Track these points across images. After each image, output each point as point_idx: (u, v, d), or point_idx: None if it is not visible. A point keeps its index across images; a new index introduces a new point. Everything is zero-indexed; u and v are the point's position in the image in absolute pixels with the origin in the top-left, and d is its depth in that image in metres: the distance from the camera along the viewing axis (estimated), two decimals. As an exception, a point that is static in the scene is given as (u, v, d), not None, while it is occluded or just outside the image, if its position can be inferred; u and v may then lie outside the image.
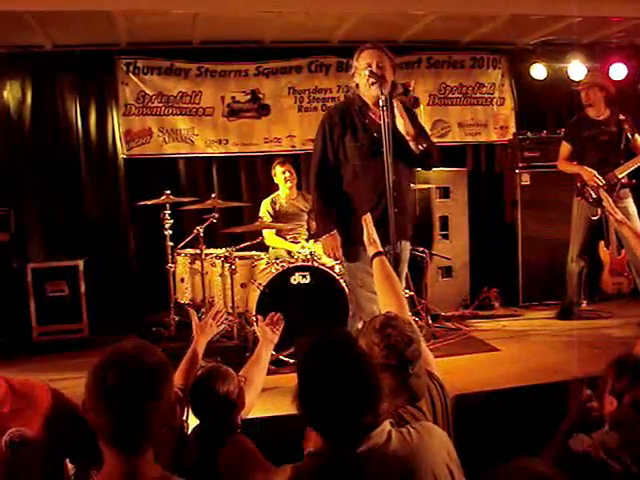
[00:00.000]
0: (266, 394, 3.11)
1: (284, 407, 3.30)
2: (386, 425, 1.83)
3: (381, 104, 3.57)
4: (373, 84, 3.72)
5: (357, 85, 3.95)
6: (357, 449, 1.74)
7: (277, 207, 6.04)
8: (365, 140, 3.88)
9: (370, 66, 3.79)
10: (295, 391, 1.82)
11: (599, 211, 5.76)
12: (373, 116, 3.89)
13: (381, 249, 3.02)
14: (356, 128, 3.92)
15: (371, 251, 3.03)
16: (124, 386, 1.61)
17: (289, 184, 5.97)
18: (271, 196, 6.14)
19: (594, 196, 5.73)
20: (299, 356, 2.00)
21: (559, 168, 6.03)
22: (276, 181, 6.07)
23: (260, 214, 6.01)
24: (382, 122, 3.55)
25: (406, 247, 4.17)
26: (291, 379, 1.97)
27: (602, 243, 5.93)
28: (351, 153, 3.92)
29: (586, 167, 5.73)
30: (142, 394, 1.62)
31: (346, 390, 1.74)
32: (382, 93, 3.60)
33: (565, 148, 5.95)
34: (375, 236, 3.08)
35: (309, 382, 1.81)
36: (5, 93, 6.39)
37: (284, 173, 5.96)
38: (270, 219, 5.97)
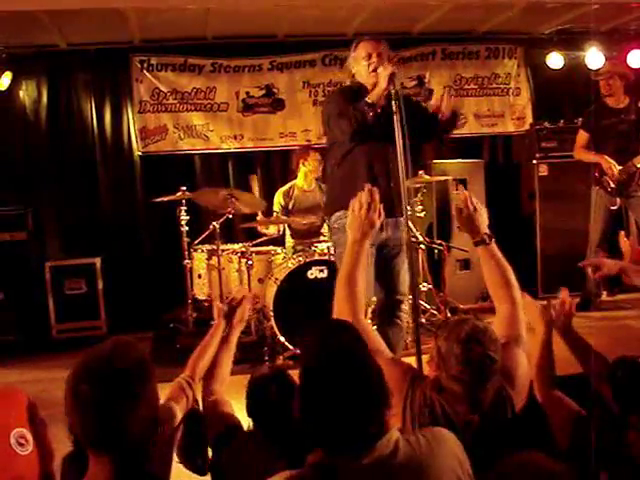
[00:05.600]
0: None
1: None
2: (393, 434, 1.72)
3: (394, 98, 3.50)
4: (375, 70, 3.74)
5: (353, 75, 4.00)
6: (361, 461, 1.64)
7: (292, 199, 6.00)
8: (358, 123, 3.76)
9: (370, 56, 3.84)
10: (297, 398, 1.74)
11: (618, 201, 5.70)
12: (369, 100, 3.78)
13: (486, 233, 2.53)
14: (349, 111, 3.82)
15: (474, 236, 2.55)
16: (96, 397, 1.62)
17: (314, 175, 5.93)
18: (286, 185, 6.10)
19: (612, 185, 5.67)
20: (302, 359, 1.91)
21: (575, 156, 5.97)
22: (302, 166, 6.00)
23: (274, 207, 6.02)
24: (394, 114, 3.46)
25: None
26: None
27: (622, 233, 5.80)
28: (343, 135, 3.87)
29: (604, 156, 5.67)
30: (116, 402, 1.63)
31: (347, 397, 1.66)
32: (394, 86, 3.55)
33: (582, 136, 5.89)
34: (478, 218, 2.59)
35: (309, 389, 1.73)
36: (21, 93, 6.44)
37: (315, 162, 5.90)
38: (281, 211, 5.95)
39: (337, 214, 3.93)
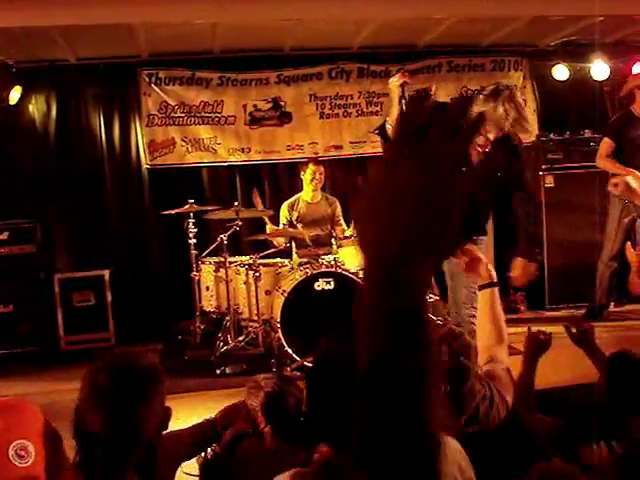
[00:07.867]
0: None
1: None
2: None
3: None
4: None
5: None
6: None
7: (297, 212, 6.02)
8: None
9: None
10: (305, 400, 1.80)
11: None
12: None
13: (494, 280, 2.52)
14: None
15: (480, 280, 2.55)
16: (114, 387, 1.69)
17: (313, 186, 5.95)
18: (291, 199, 6.11)
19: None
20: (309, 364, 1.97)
21: (599, 165, 5.82)
22: (302, 178, 6.03)
23: (280, 220, 6.04)
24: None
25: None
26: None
27: (629, 244, 5.85)
28: None
29: (634, 170, 5.43)
30: (132, 395, 1.70)
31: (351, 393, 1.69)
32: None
33: (607, 145, 5.74)
34: (489, 265, 2.62)
35: (315, 388, 1.78)
36: (31, 107, 6.50)
37: (314, 173, 5.90)
38: (287, 223, 5.97)
39: None
